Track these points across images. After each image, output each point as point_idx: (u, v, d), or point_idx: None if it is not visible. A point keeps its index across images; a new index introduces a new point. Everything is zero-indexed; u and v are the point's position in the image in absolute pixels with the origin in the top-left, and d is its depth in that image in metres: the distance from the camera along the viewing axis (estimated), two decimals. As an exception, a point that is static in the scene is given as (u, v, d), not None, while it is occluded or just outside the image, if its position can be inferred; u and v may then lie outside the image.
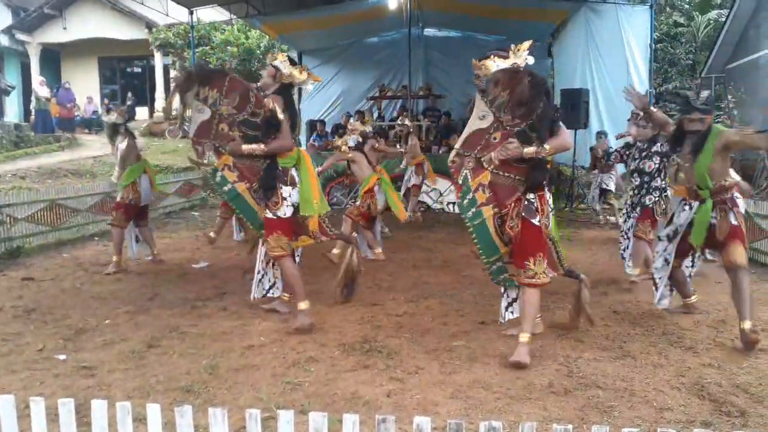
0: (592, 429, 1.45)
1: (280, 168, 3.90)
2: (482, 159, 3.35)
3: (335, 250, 5.96)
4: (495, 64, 3.38)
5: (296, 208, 3.97)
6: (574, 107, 10.39)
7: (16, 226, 6.88)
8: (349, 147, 6.37)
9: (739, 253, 3.66)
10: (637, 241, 5.12)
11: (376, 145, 7.21)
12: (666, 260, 4.11)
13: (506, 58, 3.39)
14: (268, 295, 4.44)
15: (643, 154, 5.07)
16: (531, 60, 3.44)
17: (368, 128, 7.02)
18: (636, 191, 5.17)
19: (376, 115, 14.02)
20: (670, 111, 14.55)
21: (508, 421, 2.42)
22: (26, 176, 13.12)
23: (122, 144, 6.04)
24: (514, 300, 3.80)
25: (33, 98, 18.74)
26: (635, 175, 5.16)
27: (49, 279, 5.58)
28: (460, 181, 3.45)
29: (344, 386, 2.97)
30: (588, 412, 2.68)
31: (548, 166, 3.49)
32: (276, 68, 4.00)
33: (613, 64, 10.70)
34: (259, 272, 4.44)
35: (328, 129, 13.00)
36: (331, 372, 3.16)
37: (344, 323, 4.06)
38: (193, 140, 3.93)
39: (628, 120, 6.11)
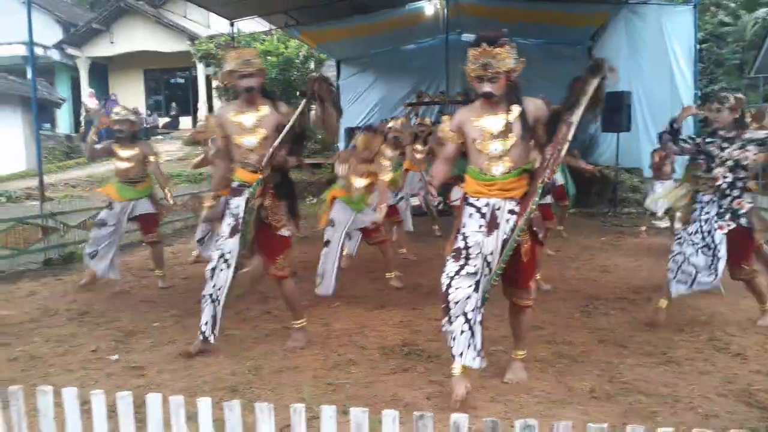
0: (626, 429, 1.45)
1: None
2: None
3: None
4: (507, 56, 2.95)
5: None
6: (617, 110, 10.24)
7: (69, 233, 7.18)
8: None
9: None
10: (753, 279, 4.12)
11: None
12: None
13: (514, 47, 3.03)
14: None
15: (734, 144, 3.95)
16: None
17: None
18: (724, 192, 3.98)
19: (413, 121, 14.09)
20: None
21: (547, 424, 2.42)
22: (77, 185, 13.66)
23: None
24: None
25: (83, 110, 19.49)
26: (725, 169, 3.97)
27: (100, 283, 5.79)
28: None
29: (384, 388, 3.02)
30: (630, 418, 2.65)
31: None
32: None
33: (656, 66, 10.49)
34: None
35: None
36: (372, 374, 3.20)
37: (384, 327, 4.11)
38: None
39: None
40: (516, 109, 3.01)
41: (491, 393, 2.96)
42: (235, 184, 3.63)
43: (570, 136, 2.92)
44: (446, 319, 2.91)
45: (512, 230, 2.97)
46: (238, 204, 3.56)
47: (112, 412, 1.81)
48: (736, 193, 3.95)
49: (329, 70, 17.86)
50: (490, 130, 3.01)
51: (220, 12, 11.42)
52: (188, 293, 5.31)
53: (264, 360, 3.47)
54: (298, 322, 3.83)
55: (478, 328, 2.91)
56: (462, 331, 2.88)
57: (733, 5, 16.82)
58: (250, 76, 3.51)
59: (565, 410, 2.75)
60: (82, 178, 14.33)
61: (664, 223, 8.53)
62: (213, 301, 3.56)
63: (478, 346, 2.89)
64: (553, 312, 4.45)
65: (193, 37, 19.60)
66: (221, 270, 3.54)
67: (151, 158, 5.62)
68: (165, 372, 3.30)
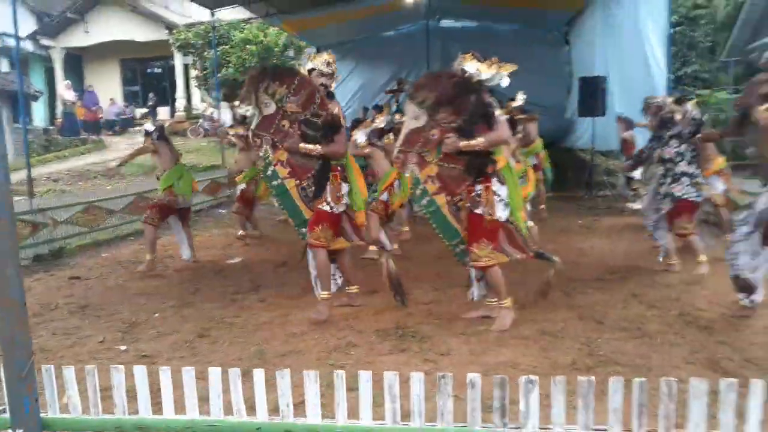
0: (609, 380, 1.70)
1: (336, 167, 4.14)
2: (425, 154, 3.73)
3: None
4: (468, 63, 3.64)
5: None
6: (592, 95, 10.53)
7: (58, 228, 7.25)
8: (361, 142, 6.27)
9: None
10: (688, 238, 5.15)
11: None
12: (755, 252, 3.81)
13: (480, 62, 3.67)
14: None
15: (661, 141, 5.20)
16: (505, 82, 3.72)
17: (381, 123, 7.04)
18: (660, 181, 5.21)
19: (393, 108, 14.25)
20: (689, 96, 14.58)
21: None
22: (59, 179, 13.61)
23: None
24: (479, 279, 4.13)
25: (59, 102, 19.28)
26: (658, 164, 5.24)
27: (94, 277, 5.92)
28: (407, 175, 3.82)
29: (384, 367, 3.19)
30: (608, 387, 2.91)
31: (493, 157, 3.73)
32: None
33: (631, 50, 10.76)
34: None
35: (348, 123, 13.25)
36: (371, 355, 3.43)
37: (377, 311, 4.33)
38: (253, 132, 4.12)
39: (642, 110, 6.24)
40: None
41: (481, 368, 3.19)
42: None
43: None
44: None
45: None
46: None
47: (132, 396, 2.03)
48: (669, 179, 5.08)
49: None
50: None
51: (201, 1, 11.41)
52: (182, 284, 5.48)
53: (267, 345, 3.67)
54: (325, 293, 4.21)
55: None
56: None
57: (707, -13, 17.21)
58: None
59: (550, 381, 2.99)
60: (63, 172, 14.27)
61: (637, 205, 8.87)
62: None
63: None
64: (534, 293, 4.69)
65: (170, 26, 19.43)
66: None
67: None
68: (174, 359, 3.49)
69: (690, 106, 5.40)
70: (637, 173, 9.19)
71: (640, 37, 10.65)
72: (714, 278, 4.90)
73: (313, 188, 4.10)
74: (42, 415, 1.97)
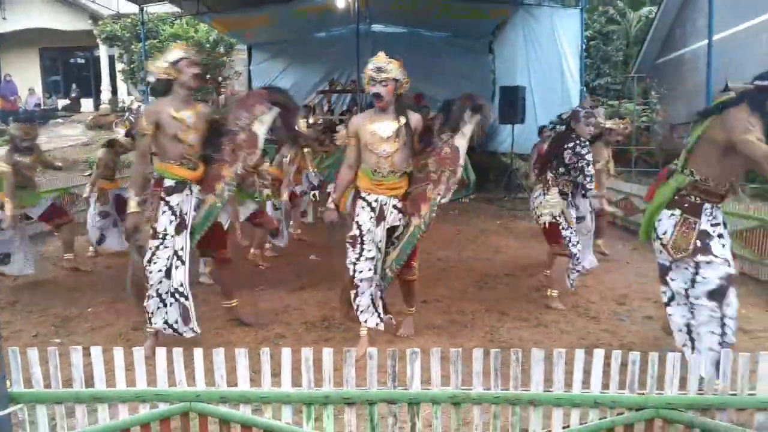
0: (511, 352, 2.15)
1: None
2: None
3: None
4: (398, 71, 3.60)
5: None
6: (512, 104, 11.22)
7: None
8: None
9: None
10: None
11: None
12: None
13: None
14: None
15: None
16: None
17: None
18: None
19: (325, 108, 14.54)
20: (602, 105, 15.64)
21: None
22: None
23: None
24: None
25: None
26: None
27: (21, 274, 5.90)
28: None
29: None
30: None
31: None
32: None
33: (549, 62, 11.54)
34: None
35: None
36: (297, 345, 3.71)
37: (305, 306, 4.65)
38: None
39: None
40: (402, 120, 3.65)
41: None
42: (171, 182, 3.67)
43: (462, 161, 3.69)
44: (354, 294, 3.64)
45: (404, 226, 3.71)
46: (179, 201, 3.66)
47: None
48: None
49: (239, 55, 17.86)
50: (381, 134, 3.63)
51: (130, -3, 11.29)
52: (113, 280, 5.56)
53: (200, 337, 3.91)
54: (231, 303, 4.22)
55: (379, 301, 3.70)
56: (367, 304, 3.63)
57: (621, 4, 18.40)
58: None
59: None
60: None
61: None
62: (181, 297, 3.64)
63: (381, 312, 3.68)
64: (450, 287, 5.16)
65: (95, 16, 18.86)
66: (177, 267, 3.62)
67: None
68: (110, 351, 3.66)
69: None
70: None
71: (557, 50, 11.44)
72: (609, 275, 5.53)
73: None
74: (9, 390, 2.21)
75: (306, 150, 6.74)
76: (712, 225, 3.08)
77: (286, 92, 4.00)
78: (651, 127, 14.96)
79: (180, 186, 3.69)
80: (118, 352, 2.25)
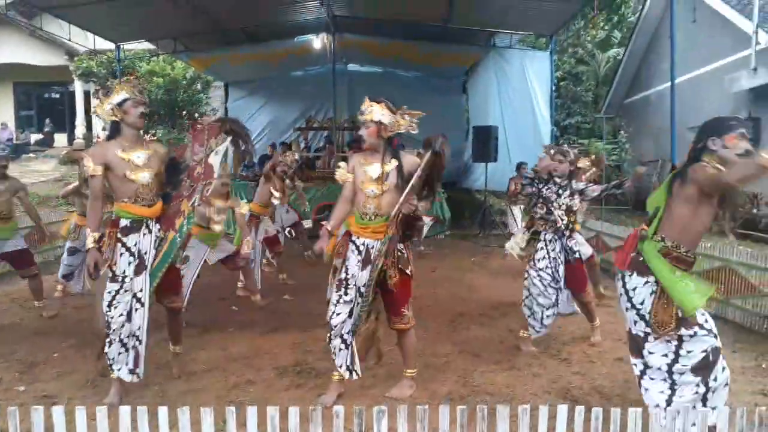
0: (477, 409, 2.12)
1: None
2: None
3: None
4: (381, 113, 3.52)
5: None
6: (485, 143, 11.44)
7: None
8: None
9: None
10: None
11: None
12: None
13: (393, 112, 3.58)
14: None
15: (566, 191, 4.71)
16: (415, 129, 3.65)
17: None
18: (560, 233, 4.68)
19: (302, 145, 14.63)
20: (573, 144, 16.01)
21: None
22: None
23: None
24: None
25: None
26: (560, 212, 4.67)
27: (-15, 317, 5.76)
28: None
29: (279, 403, 3.49)
30: (475, 415, 3.35)
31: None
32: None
33: (521, 103, 11.86)
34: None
35: (255, 159, 13.45)
36: (268, 392, 3.70)
37: (277, 349, 4.60)
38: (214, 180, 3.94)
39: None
40: (392, 163, 3.62)
41: (368, 401, 3.54)
42: (127, 222, 3.62)
43: (411, 199, 3.51)
44: (329, 337, 3.59)
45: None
46: (136, 241, 3.61)
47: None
48: (567, 233, 4.70)
49: (216, 92, 17.96)
50: (370, 174, 3.62)
51: (107, 35, 11.36)
52: (81, 322, 5.45)
53: (168, 384, 3.84)
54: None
55: (351, 347, 3.61)
56: (339, 348, 3.58)
57: (589, 45, 19.02)
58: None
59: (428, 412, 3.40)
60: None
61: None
62: (137, 341, 3.60)
63: (350, 362, 3.60)
64: (424, 328, 5.13)
65: (71, 52, 18.83)
66: (136, 310, 3.58)
67: (21, 194, 5.88)
68: (76, 399, 3.58)
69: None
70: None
71: (528, 91, 11.78)
72: (580, 315, 5.57)
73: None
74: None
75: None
76: None
77: (237, 121, 4.03)
78: (621, 166, 15.31)
79: (136, 225, 3.63)
80: (81, 412, 2.17)
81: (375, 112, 3.52)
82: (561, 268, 4.62)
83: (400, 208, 3.50)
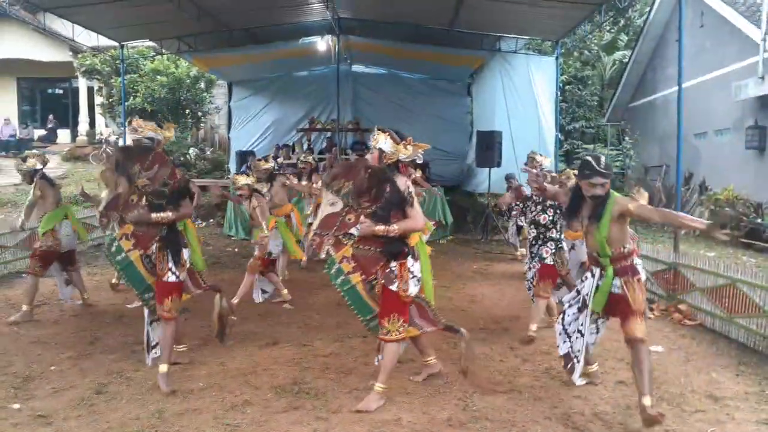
0: None
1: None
2: (341, 236, 3.88)
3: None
4: (384, 142, 3.81)
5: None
6: (489, 148, 11.36)
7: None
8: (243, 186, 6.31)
9: (637, 328, 3.57)
10: (538, 299, 5.40)
11: (286, 182, 7.58)
12: (581, 332, 3.93)
13: (397, 143, 3.81)
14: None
15: (539, 207, 5.42)
16: (420, 159, 3.97)
17: (270, 164, 7.36)
18: (533, 242, 5.48)
19: (305, 146, 14.56)
20: (577, 149, 15.93)
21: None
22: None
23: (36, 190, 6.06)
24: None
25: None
26: (532, 226, 5.48)
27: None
28: (322, 256, 4.02)
29: (276, 426, 3.49)
30: (477, 442, 3.32)
31: (407, 240, 3.86)
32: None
33: (525, 107, 11.76)
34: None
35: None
36: (265, 414, 3.66)
37: (275, 365, 4.55)
38: (100, 213, 4.14)
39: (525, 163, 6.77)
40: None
41: (368, 425, 3.51)
42: None
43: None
44: None
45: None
46: None
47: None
48: (540, 242, 5.42)
49: (220, 90, 17.91)
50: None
51: (111, 35, 11.31)
52: (79, 333, 5.43)
53: (166, 403, 3.80)
54: (165, 366, 4.08)
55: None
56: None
57: (595, 49, 18.90)
58: None
59: (427, 438, 3.36)
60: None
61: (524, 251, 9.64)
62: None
63: None
64: (425, 345, 5.09)
65: (75, 48, 18.79)
66: None
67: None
68: (71, 419, 3.54)
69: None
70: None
71: (533, 96, 11.69)
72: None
73: (168, 254, 4.10)
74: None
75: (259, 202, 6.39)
76: None
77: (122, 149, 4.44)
78: (625, 172, 15.23)
79: None
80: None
81: (379, 140, 3.86)
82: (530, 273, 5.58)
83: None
